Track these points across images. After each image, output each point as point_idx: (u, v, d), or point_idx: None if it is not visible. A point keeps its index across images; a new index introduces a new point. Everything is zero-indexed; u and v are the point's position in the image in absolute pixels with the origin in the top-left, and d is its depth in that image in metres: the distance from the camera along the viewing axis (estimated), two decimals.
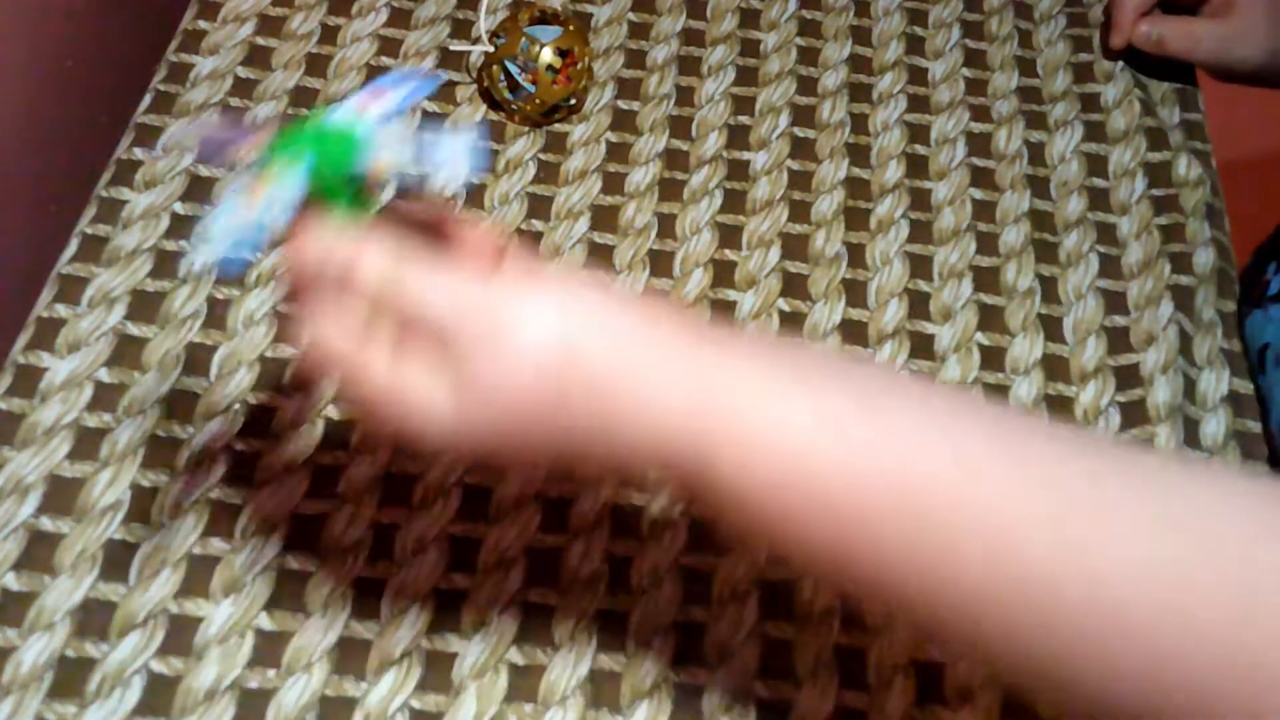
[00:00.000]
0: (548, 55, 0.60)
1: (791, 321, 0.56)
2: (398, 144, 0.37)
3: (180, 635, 0.46)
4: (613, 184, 0.61)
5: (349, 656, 0.46)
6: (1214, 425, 0.55)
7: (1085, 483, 0.31)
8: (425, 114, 0.62)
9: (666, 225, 0.59)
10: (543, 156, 0.61)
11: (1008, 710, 0.46)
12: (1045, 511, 0.31)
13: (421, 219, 0.38)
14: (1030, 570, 0.30)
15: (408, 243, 0.36)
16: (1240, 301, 0.60)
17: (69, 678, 0.44)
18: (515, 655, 0.46)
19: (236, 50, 0.64)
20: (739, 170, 0.62)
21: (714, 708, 0.46)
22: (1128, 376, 0.56)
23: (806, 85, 0.66)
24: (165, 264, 0.55)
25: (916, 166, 0.63)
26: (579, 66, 0.61)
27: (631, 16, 0.68)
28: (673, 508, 0.50)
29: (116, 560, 0.47)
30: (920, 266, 0.59)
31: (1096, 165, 0.64)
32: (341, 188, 0.37)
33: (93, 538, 0.47)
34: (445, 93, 0.63)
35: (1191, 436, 0.54)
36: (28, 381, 0.51)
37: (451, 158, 0.37)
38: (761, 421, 0.33)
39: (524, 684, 0.46)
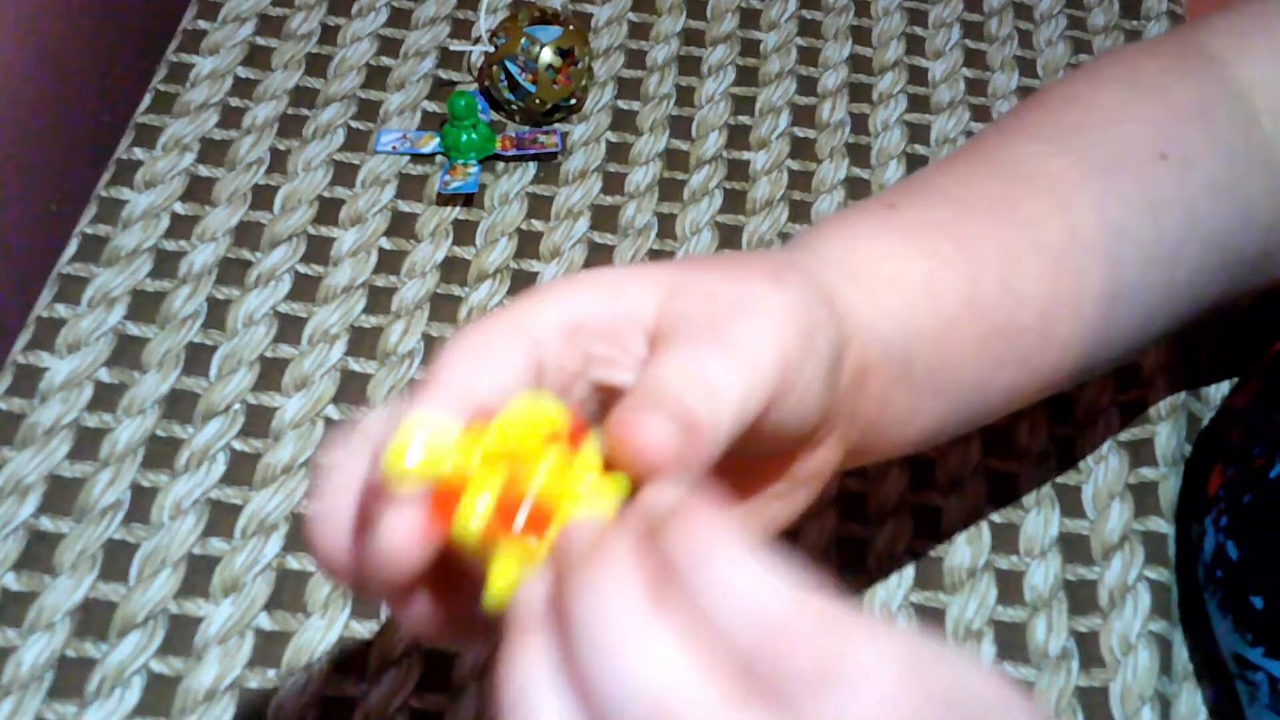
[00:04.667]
0: (548, 55, 0.60)
1: None
2: None
3: (180, 635, 0.46)
4: (613, 184, 0.61)
5: (349, 656, 0.46)
6: None
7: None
8: (425, 114, 0.62)
9: (666, 225, 0.59)
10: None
11: None
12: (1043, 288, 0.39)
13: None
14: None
15: None
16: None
17: (69, 678, 0.44)
18: None
19: (236, 50, 0.64)
20: (739, 170, 0.62)
21: None
22: (1128, 375, 0.56)
23: (806, 85, 0.66)
24: (165, 264, 0.55)
25: (917, 166, 0.63)
26: (579, 66, 0.61)
27: (631, 16, 0.68)
28: None
29: (116, 560, 0.47)
30: None
31: None
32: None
33: (93, 538, 0.47)
34: (445, 92, 0.63)
35: (1193, 435, 0.54)
36: (28, 381, 0.51)
37: None
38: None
39: None
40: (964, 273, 0.38)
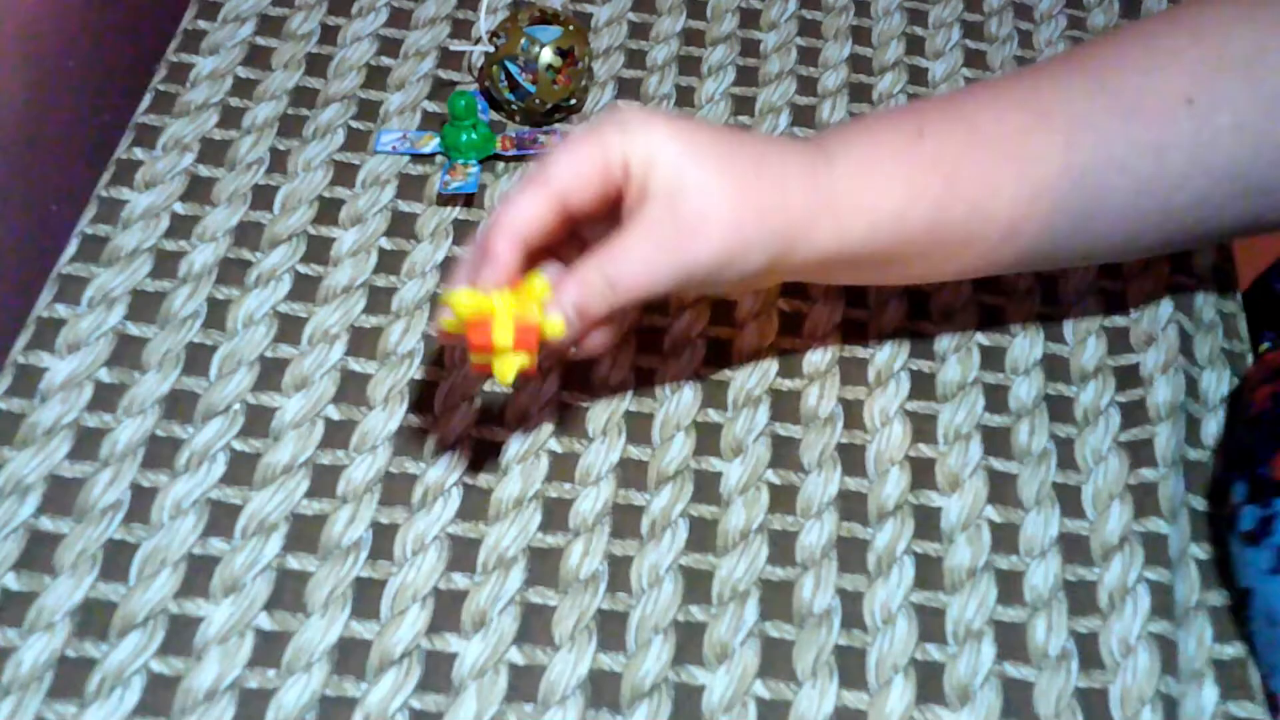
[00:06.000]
0: (548, 55, 0.60)
1: (790, 321, 0.56)
2: None
3: (180, 635, 0.46)
4: None
5: (349, 656, 0.46)
6: (1215, 425, 0.55)
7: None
8: (426, 114, 0.62)
9: None
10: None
11: (1007, 710, 0.46)
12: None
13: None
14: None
15: None
16: (1212, 517, 0.52)
17: (69, 678, 0.44)
18: (515, 655, 0.46)
19: (236, 50, 0.64)
20: None
21: (714, 708, 0.46)
22: (1127, 376, 0.56)
23: (806, 85, 0.66)
24: (165, 264, 0.55)
25: None
26: (579, 66, 0.61)
27: (631, 16, 0.68)
28: (673, 506, 0.50)
29: (116, 560, 0.47)
30: None
31: None
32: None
33: (93, 538, 0.47)
34: (445, 92, 0.63)
35: (1193, 435, 0.54)
36: (28, 381, 0.51)
37: None
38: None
39: (524, 684, 0.46)
40: (940, 203, 0.48)
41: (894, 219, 0.47)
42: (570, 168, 0.44)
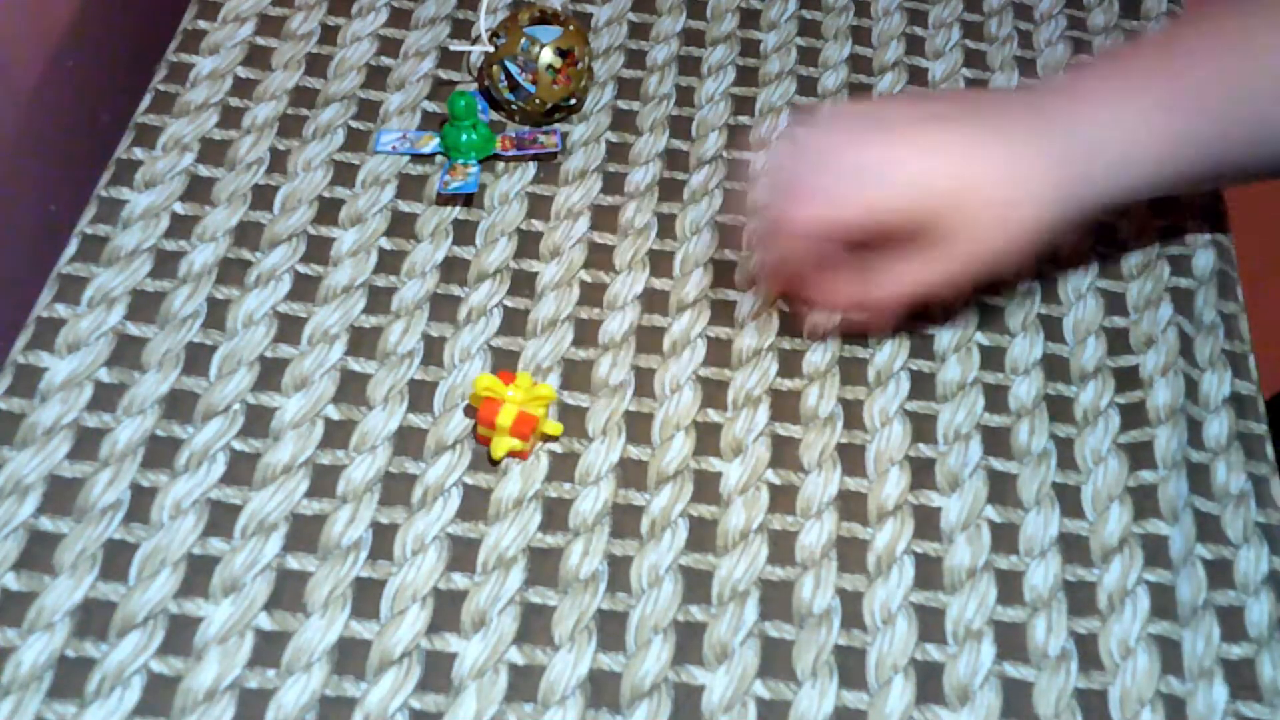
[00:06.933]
0: (548, 55, 0.60)
1: (790, 321, 0.56)
2: None
3: (180, 635, 0.46)
4: (613, 184, 0.61)
5: (349, 656, 0.46)
6: (1217, 427, 0.55)
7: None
8: (425, 114, 0.62)
9: (666, 225, 0.59)
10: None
11: (1007, 710, 0.46)
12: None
13: None
14: None
15: None
16: None
17: (69, 678, 0.44)
18: (515, 655, 0.46)
19: (236, 50, 0.64)
20: (739, 170, 0.62)
21: (714, 708, 0.46)
22: (1127, 378, 0.56)
23: (806, 85, 0.66)
24: (165, 264, 0.55)
25: None
26: (579, 66, 0.61)
27: (631, 16, 0.68)
28: (673, 506, 0.50)
29: (116, 560, 0.47)
30: None
31: None
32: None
33: (93, 538, 0.47)
34: (445, 92, 0.63)
35: (1195, 438, 0.54)
36: (27, 381, 0.51)
37: None
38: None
39: (524, 684, 0.46)
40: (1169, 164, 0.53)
41: (1152, 168, 0.53)
42: (821, 225, 0.51)
